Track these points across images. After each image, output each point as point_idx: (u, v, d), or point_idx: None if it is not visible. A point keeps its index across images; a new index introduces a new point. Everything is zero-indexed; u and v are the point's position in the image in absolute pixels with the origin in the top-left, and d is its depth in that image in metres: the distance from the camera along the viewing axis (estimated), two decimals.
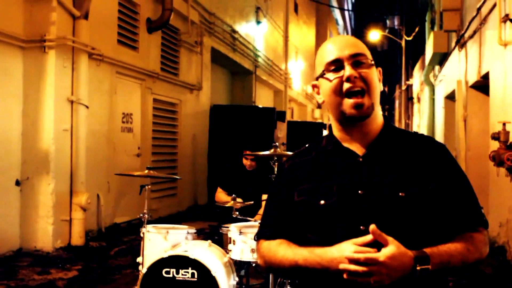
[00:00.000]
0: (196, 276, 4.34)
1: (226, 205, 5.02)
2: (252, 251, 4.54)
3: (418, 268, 1.59)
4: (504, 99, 7.27)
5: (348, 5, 46.41)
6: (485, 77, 8.82)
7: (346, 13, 44.83)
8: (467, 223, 1.78)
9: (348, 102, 1.76)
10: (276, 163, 4.68)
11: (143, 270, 4.51)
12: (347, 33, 48.37)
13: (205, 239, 5.01)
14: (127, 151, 9.10)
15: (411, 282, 1.61)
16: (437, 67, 16.34)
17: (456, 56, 11.97)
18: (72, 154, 7.32)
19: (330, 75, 1.80)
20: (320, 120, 28.07)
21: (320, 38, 30.92)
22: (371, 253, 1.57)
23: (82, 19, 7.32)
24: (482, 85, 9.53)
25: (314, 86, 1.91)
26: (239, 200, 5.45)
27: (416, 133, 1.97)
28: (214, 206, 5.67)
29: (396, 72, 40.56)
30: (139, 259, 4.89)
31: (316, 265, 1.69)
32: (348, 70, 1.76)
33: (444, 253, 1.66)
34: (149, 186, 5.02)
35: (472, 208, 1.81)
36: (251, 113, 13.47)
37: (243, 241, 4.59)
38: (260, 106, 15.65)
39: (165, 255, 4.44)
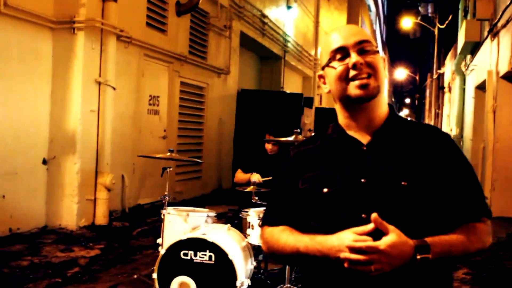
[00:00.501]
0: (213, 259, 4.40)
1: (247, 190, 5.05)
2: None
3: (418, 257, 1.60)
4: None
5: None
6: None
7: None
8: (470, 213, 1.78)
9: (353, 84, 1.77)
10: None
11: (161, 251, 4.58)
12: (379, 20, 47.81)
13: (227, 223, 5.07)
14: (153, 133, 9.20)
15: (411, 271, 1.62)
16: (468, 56, 16.07)
17: (488, 46, 11.77)
18: (99, 135, 7.42)
19: (336, 64, 1.81)
20: None
21: (352, 24, 30.58)
22: (372, 242, 1.59)
23: (112, 1, 7.39)
24: None
25: (320, 77, 1.91)
26: (255, 175, 5.51)
27: (421, 122, 1.98)
28: (237, 191, 5.72)
29: (428, 61, 40.08)
30: (159, 240, 4.97)
31: (317, 252, 1.71)
32: (354, 57, 1.77)
33: (445, 243, 1.67)
34: (171, 169, 5.10)
35: (475, 198, 1.81)
36: (279, 98, 13.47)
37: None
38: (288, 91, 15.62)
39: (184, 237, 4.50)
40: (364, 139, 1.84)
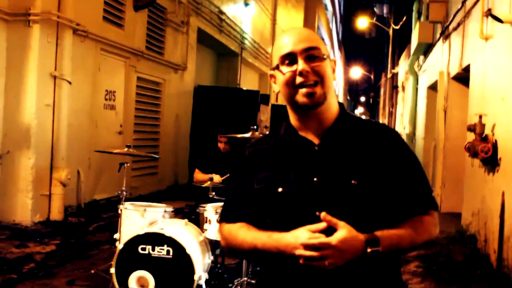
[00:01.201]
0: (171, 253, 4.44)
1: (204, 185, 5.10)
2: None
3: (368, 250, 1.69)
4: (483, 92, 7.40)
5: None
6: (467, 69, 8.94)
7: None
8: (418, 207, 1.88)
9: (300, 92, 1.84)
10: None
11: (119, 246, 4.59)
12: (336, 20, 48.34)
13: (183, 218, 5.10)
14: (109, 128, 9.13)
15: (363, 263, 1.71)
16: (421, 57, 16.46)
17: (440, 47, 12.09)
18: (54, 129, 7.33)
19: (284, 68, 1.87)
20: None
21: (308, 23, 30.88)
22: (324, 238, 1.67)
23: None
24: (463, 77, 9.66)
25: (271, 76, 1.97)
26: (216, 176, 5.56)
27: (370, 120, 2.07)
28: (194, 186, 5.77)
29: (382, 60, 40.73)
30: (116, 235, 4.97)
31: (273, 249, 1.78)
32: (301, 65, 1.83)
33: (394, 236, 1.76)
34: (128, 164, 5.11)
35: (422, 192, 1.91)
36: (235, 95, 13.53)
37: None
38: (245, 88, 15.69)
39: (142, 232, 4.53)
40: (315, 139, 1.91)
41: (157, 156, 5.78)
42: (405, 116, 23.54)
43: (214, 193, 5.01)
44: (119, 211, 5.00)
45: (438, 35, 12.57)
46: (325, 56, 1.88)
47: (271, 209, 1.89)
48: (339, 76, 51.70)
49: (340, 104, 2.01)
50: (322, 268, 1.68)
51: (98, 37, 8.34)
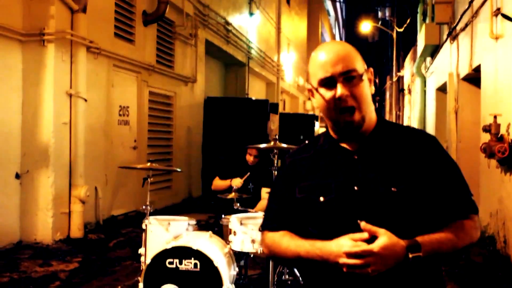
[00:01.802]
0: (198, 266, 4.45)
1: (228, 197, 5.11)
2: (253, 241, 4.65)
3: (410, 255, 1.73)
4: (495, 92, 7.40)
5: None
6: (477, 69, 8.94)
7: (338, 4, 44.87)
8: (458, 211, 1.91)
9: (340, 118, 1.91)
10: (276, 156, 4.77)
11: (146, 261, 4.61)
12: (339, 25, 48.40)
13: (202, 230, 5.11)
14: (124, 143, 9.18)
15: (405, 269, 1.75)
16: (428, 59, 16.46)
17: (447, 48, 12.09)
18: (71, 147, 7.39)
19: (323, 91, 1.92)
20: (311, 112, 28.20)
21: (312, 30, 31.01)
22: (366, 245, 1.71)
23: (80, 12, 7.38)
24: (474, 78, 9.67)
25: (309, 90, 2.02)
26: (235, 180, 5.56)
27: (408, 126, 2.11)
28: (208, 198, 5.74)
29: (387, 64, 40.71)
30: (141, 250, 4.97)
31: (317, 257, 1.83)
32: (340, 90, 1.87)
33: (435, 241, 1.79)
34: (151, 179, 5.11)
35: (462, 197, 1.94)
36: (245, 105, 13.56)
37: (244, 232, 4.69)
38: (253, 98, 15.74)
39: (169, 246, 4.54)
40: (355, 148, 1.97)
41: (179, 170, 5.77)
42: (413, 118, 23.51)
43: (238, 204, 5.02)
44: (143, 226, 5.00)
45: (445, 37, 12.57)
46: (362, 74, 1.91)
47: (313, 217, 1.94)
48: None
49: (378, 112, 2.04)
50: (365, 275, 1.71)
51: (111, 53, 8.42)
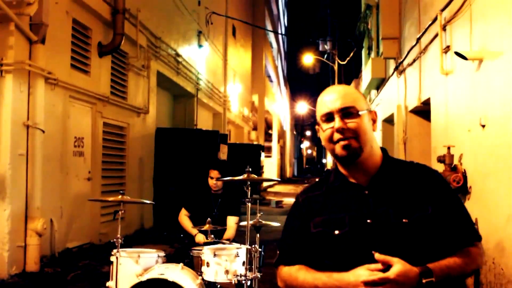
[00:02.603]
0: None
1: (202, 229, 5.13)
2: (226, 272, 4.69)
3: (424, 281, 1.87)
4: (446, 124, 7.73)
5: (282, 28, 47.30)
6: (426, 103, 9.32)
7: (280, 36, 45.71)
8: (464, 239, 2.07)
9: (338, 145, 2.08)
10: (249, 188, 4.81)
11: None
12: (281, 56, 49.24)
13: (168, 262, 5.09)
14: (79, 175, 9.06)
15: None
16: (373, 91, 16.99)
17: (394, 82, 12.54)
18: (28, 179, 7.25)
19: (324, 125, 2.12)
20: (256, 142, 28.45)
21: (256, 61, 31.47)
22: (382, 274, 1.85)
23: (39, 43, 7.32)
24: (422, 110, 10.07)
25: (317, 130, 2.22)
26: (201, 236, 5.55)
27: (412, 162, 2.27)
28: (161, 229, 5.69)
29: None
30: (110, 284, 4.91)
31: None
32: (337, 123, 2.07)
33: (445, 267, 1.94)
34: (123, 211, 5.08)
35: (466, 226, 2.11)
36: (195, 136, 13.65)
37: (217, 262, 4.73)
38: (203, 128, 15.82)
39: (143, 278, 4.53)
40: (364, 184, 2.12)
41: (149, 202, 5.71)
42: None
43: (212, 236, 5.06)
44: (113, 258, 4.95)
45: (391, 70, 13.05)
46: (360, 113, 2.08)
47: (329, 250, 2.06)
48: (285, 111, 52.40)
49: (383, 150, 2.21)
50: None
51: (67, 84, 8.34)
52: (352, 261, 1.95)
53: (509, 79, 5.33)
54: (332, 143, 2.09)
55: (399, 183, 2.09)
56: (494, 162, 5.74)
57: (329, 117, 2.09)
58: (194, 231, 5.79)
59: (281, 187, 38.59)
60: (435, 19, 7.97)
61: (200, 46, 16.96)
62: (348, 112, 2.07)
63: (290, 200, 25.73)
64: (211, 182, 5.99)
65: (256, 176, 4.82)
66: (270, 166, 37.75)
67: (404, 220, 1.99)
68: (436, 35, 8.00)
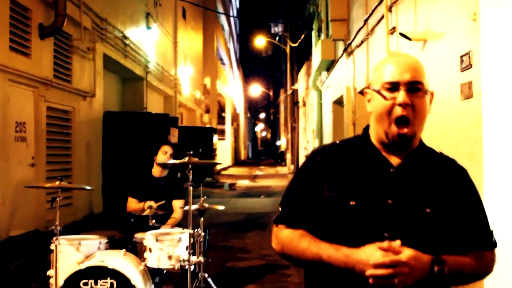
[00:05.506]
0: (115, 286, 4.36)
1: (143, 214, 5.04)
2: (169, 257, 4.62)
3: (436, 268, 1.77)
4: None
5: (234, 11, 47.00)
6: None
7: (232, 19, 45.41)
8: (481, 242, 1.99)
9: (393, 129, 1.87)
10: (190, 171, 4.73)
11: (58, 283, 4.45)
12: (233, 39, 48.99)
13: (112, 248, 4.99)
14: (21, 161, 8.78)
15: (430, 284, 1.78)
16: (324, 73, 17.05)
17: (344, 63, 12.60)
18: None
19: (385, 93, 1.89)
20: (209, 125, 28.30)
21: (207, 44, 31.21)
22: (394, 256, 1.72)
23: None
24: None
25: (366, 93, 2.00)
26: (151, 203, 5.45)
27: (441, 153, 2.09)
28: (111, 214, 5.61)
29: (280, 77, 41.64)
30: (50, 272, 4.78)
31: (341, 264, 1.80)
32: (402, 96, 1.86)
33: (458, 261, 1.85)
34: (60, 198, 4.94)
35: (486, 230, 2.02)
36: (145, 119, 13.46)
37: (160, 248, 4.66)
38: (152, 112, 15.61)
39: (82, 266, 4.42)
40: (395, 162, 1.94)
41: (89, 188, 5.59)
42: (309, 130, 24.21)
43: (154, 221, 4.96)
44: (52, 246, 4.81)
45: (340, 52, 13.09)
46: (426, 91, 1.91)
47: (339, 220, 1.89)
48: (238, 94, 52.25)
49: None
50: (391, 287, 1.71)
51: (6, 67, 8.04)
52: (362, 238, 1.81)
53: (451, 60, 5.37)
54: (388, 119, 1.87)
55: (428, 171, 1.96)
56: (436, 139, 5.80)
57: (393, 87, 1.87)
58: (141, 204, 5.68)
59: (235, 170, 38.70)
60: (381, 1, 7.99)
61: (148, 28, 16.66)
62: (415, 87, 1.87)
63: (243, 183, 25.78)
64: (164, 157, 5.93)
65: (197, 160, 4.75)
66: (224, 149, 37.69)
67: (427, 210, 1.87)
68: (383, 17, 8.03)
